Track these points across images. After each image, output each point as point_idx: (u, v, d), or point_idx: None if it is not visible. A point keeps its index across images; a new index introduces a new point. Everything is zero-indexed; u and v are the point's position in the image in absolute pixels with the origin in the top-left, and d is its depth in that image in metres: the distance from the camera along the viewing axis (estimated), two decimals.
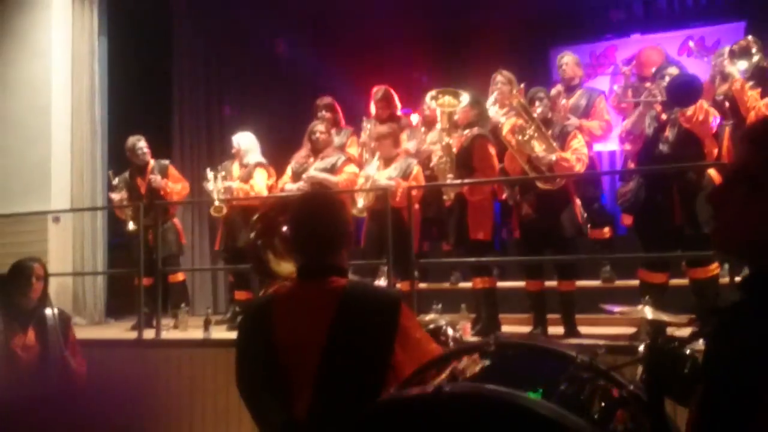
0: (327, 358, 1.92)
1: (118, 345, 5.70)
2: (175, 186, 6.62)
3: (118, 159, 7.16)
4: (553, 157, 4.82)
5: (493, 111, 5.78)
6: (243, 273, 6.27)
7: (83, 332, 5.72)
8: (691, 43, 7.16)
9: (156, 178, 6.51)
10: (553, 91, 5.38)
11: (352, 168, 5.90)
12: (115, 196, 6.60)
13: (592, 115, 5.81)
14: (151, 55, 8.41)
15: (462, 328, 4.72)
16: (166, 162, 6.80)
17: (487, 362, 1.58)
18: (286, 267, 2.50)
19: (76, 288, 7.22)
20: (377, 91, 6.34)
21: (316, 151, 6.00)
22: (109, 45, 7.83)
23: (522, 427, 1.29)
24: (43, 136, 7.35)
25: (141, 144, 6.63)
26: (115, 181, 6.68)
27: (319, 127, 6.06)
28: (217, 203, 6.08)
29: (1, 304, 3.66)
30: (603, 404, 1.43)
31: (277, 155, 6.69)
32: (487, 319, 5.10)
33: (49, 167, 7.28)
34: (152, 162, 6.67)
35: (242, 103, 8.49)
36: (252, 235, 2.78)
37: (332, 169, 5.88)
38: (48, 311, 3.67)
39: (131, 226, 6.32)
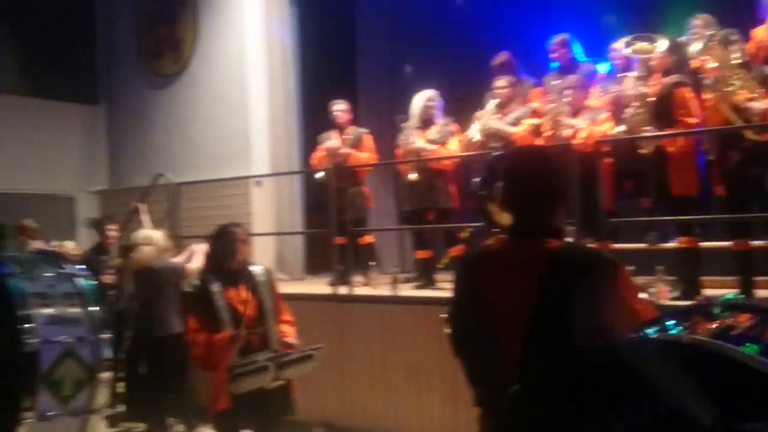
0: (536, 317, 1.87)
1: (315, 299, 6.08)
2: (361, 155, 6.72)
3: (310, 125, 7.52)
4: (764, 105, 4.33)
5: (695, 50, 5.28)
6: (423, 233, 6.40)
7: (285, 287, 6.16)
8: None
9: (333, 145, 6.66)
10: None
11: (532, 121, 5.75)
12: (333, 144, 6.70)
13: None
14: (335, 21, 8.70)
15: (658, 292, 4.49)
16: (362, 131, 6.86)
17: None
18: (509, 218, 2.45)
19: (277, 246, 7.78)
20: (555, 39, 6.08)
21: (500, 106, 5.92)
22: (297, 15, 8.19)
23: (735, 379, 1.22)
24: (241, 106, 7.93)
25: (335, 107, 6.83)
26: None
27: (499, 83, 5.95)
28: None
29: (211, 267, 4.01)
30: None
31: (460, 113, 6.65)
32: (688, 281, 4.77)
33: (248, 135, 7.86)
34: (351, 129, 6.82)
35: (424, 63, 8.53)
36: (474, 185, 2.79)
37: (515, 123, 5.79)
38: (255, 268, 3.99)
39: (319, 175, 6.59)
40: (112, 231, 6.63)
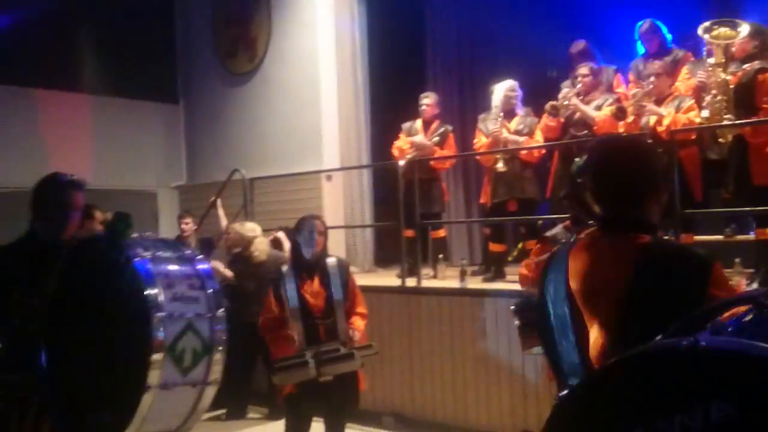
0: (624, 312, 1.82)
1: (385, 291, 6.15)
2: (442, 152, 6.75)
3: (379, 120, 7.59)
4: None
5: None
6: (498, 226, 6.35)
7: (355, 279, 6.26)
8: None
9: (419, 140, 6.69)
10: None
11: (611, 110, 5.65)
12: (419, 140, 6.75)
13: None
14: (405, 16, 8.73)
15: (736, 285, 4.34)
16: (448, 128, 6.86)
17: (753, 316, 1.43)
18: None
19: (348, 239, 7.90)
20: (642, 24, 5.93)
21: (583, 94, 5.87)
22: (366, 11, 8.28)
23: None
24: (313, 103, 8.08)
25: (423, 100, 6.84)
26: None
27: (582, 71, 5.87)
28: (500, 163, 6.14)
29: (292, 256, 4.15)
30: None
31: (535, 105, 6.57)
32: (767, 273, 4.58)
33: (320, 130, 8.00)
34: (436, 123, 6.82)
35: (495, 56, 8.46)
36: (574, 171, 2.73)
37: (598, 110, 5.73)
38: (330, 260, 4.08)
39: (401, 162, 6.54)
40: (188, 224, 6.90)
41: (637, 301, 1.80)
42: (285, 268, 4.04)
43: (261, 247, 5.79)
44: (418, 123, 6.84)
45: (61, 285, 2.52)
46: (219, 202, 7.28)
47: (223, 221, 7.10)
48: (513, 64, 7.89)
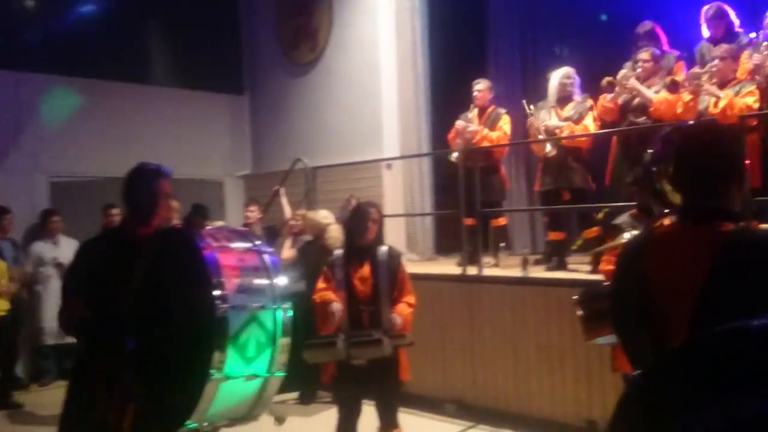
0: (705, 302, 1.78)
1: (445, 279, 6.17)
2: (491, 134, 6.65)
3: (440, 108, 7.57)
4: None
5: None
6: (558, 213, 6.27)
7: (415, 267, 6.30)
8: None
9: (462, 124, 6.64)
10: None
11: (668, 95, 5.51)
12: (461, 124, 6.69)
13: None
14: (466, 3, 8.66)
15: None
16: (501, 111, 6.77)
17: None
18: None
19: (408, 227, 7.94)
20: (708, 8, 5.73)
21: (642, 79, 5.73)
22: None
23: None
24: (373, 91, 8.13)
25: (475, 87, 6.78)
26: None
27: (643, 56, 5.73)
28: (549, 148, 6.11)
29: (345, 242, 4.21)
30: None
31: (596, 89, 6.45)
32: None
33: (380, 119, 8.05)
34: (491, 109, 6.77)
35: (558, 42, 8.32)
36: (647, 159, 2.68)
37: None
38: (381, 248, 4.11)
39: (454, 155, 6.57)
40: (254, 212, 7.07)
41: (720, 291, 1.75)
42: (338, 252, 4.11)
43: (334, 234, 5.86)
44: (474, 112, 6.79)
45: (146, 273, 2.65)
46: (282, 190, 7.43)
47: (287, 210, 7.24)
48: (576, 49, 7.75)
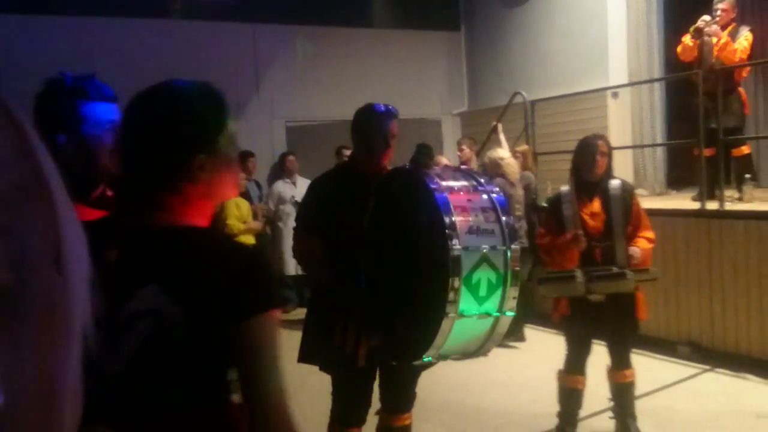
0: None
1: (680, 215, 5.74)
2: (733, 45, 5.92)
3: (674, 27, 6.91)
4: None
5: None
6: None
7: (646, 202, 5.92)
8: None
9: (707, 19, 6.00)
10: None
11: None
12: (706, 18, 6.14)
13: None
14: None
15: None
16: (744, 28, 6.02)
17: None
18: None
19: (636, 160, 7.47)
20: None
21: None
22: None
23: None
24: (598, 14, 7.62)
25: (717, 5, 6.08)
26: None
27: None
28: None
29: (572, 177, 4.04)
30: None
31: None
32: None
33: (606, 44, 7.55)
34: (731, 27, 6.03)
35: None
36: None
37: None
38: (613, 182, 3.91)
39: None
40: (464, 150, 7.07)
41: None
42: (565, 188, 3.96)
43: (510, 170, 5.89)
44: (714, 27, 6.07)
45: (375, 211, 2.76)
46: (500, 126, 7.33)
47: (505, 146, 7.15)
48: None
